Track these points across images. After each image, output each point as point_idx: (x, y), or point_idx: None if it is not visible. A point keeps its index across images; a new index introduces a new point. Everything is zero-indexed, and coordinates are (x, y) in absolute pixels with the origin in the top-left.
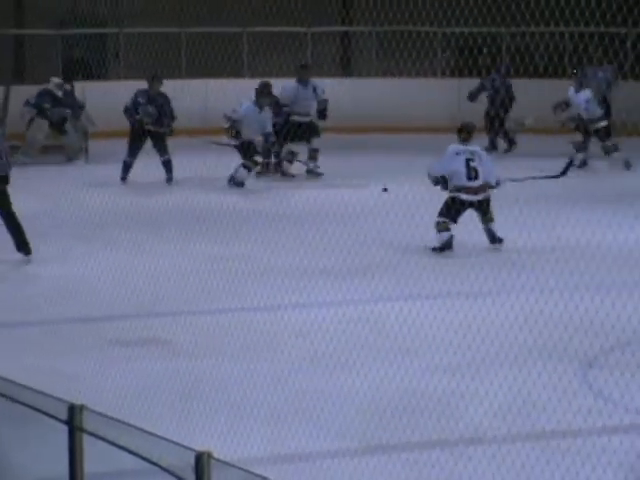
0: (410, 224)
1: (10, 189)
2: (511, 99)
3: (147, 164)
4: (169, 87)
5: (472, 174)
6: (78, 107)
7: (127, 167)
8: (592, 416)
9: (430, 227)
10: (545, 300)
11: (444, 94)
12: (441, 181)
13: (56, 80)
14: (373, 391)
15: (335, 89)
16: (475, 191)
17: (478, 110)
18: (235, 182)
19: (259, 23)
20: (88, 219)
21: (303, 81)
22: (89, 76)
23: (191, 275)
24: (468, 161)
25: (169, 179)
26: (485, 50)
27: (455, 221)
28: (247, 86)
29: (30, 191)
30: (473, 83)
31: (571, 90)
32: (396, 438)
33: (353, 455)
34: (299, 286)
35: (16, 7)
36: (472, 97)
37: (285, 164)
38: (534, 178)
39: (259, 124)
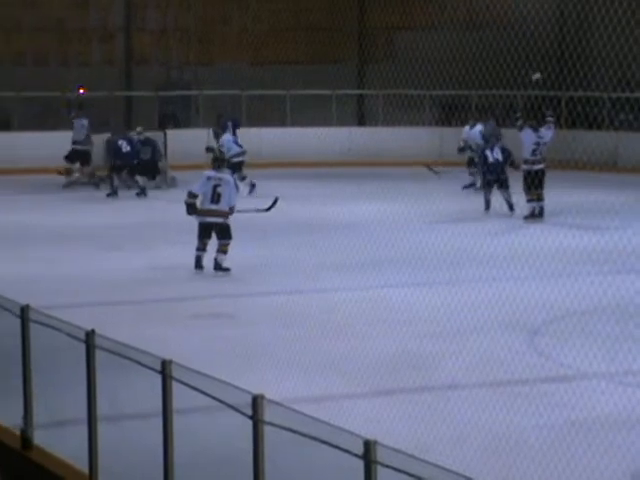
0: (396, 232)
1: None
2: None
3: None
4: None
5: (215, 198)
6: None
7: None
8: (536, 369)
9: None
10: (500, 286)
11: (430, 138)
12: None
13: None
14: (379, 351)
15: (352, 135)
16: (215, 214)
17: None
18: None
19: (298, 87)
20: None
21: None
22: (178, 125)
23: (246, 267)
24: (215, 187)
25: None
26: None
27: (205, 241)
28: (289, 133)
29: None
30: (452, 131)
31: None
32: (395, 385)
33: (364, 397)
34: (324, 276)
35: (126, 76)
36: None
37: None
38: (257, 211)
39: None
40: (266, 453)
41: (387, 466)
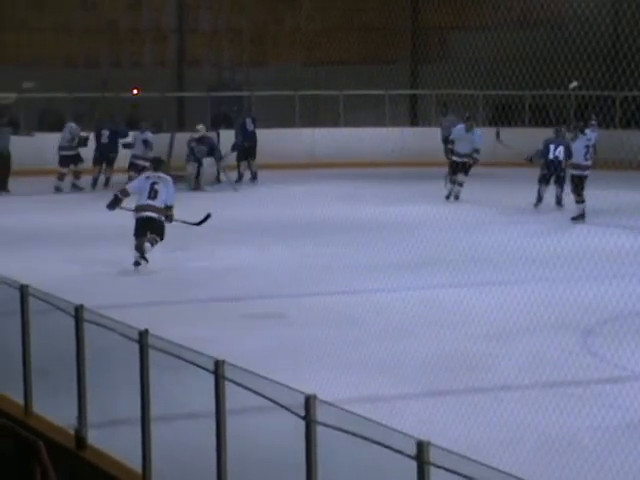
0: (447, 232)
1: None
2: None
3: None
4: (284, 134)
5: (152, 194)
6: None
7: None
8: (589, 370)
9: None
10: (553, 287)
11: (484, 139)
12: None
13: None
14: (431, 352)
15: (405, 135)
16: (151, 209)
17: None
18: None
19: (351, 87)
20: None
21: None
22: (230, 126)
23: (297, 267)
24: (153, 184)
25: None
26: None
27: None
28: (342, 133)
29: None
30: (506, 131)
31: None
32: (448, 386)
33: (417, 398)
34: (375, 276)
35: (179, 77)
36: None
37: None
38: (188, 223)
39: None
40: (319, 453)
41: (440, 467)
